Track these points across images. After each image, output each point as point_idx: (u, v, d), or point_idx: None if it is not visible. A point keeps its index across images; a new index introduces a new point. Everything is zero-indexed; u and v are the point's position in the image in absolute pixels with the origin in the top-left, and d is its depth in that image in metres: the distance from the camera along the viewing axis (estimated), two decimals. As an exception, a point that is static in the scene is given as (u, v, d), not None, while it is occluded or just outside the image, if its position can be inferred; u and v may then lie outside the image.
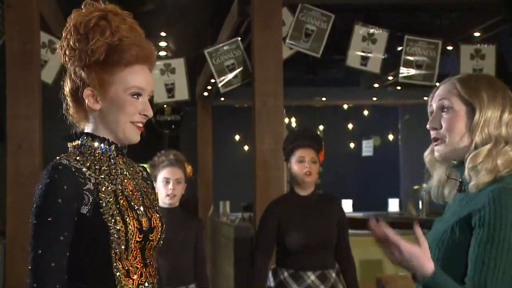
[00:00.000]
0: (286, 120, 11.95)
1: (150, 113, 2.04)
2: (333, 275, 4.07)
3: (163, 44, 10.41)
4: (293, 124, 14.38)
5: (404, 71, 6.12)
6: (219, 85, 6.14)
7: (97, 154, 2.00)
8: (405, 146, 15.33)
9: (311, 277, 4.02)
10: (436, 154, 2.15)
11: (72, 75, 2.00)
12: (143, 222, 2.01)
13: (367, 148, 15.03)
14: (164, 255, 3.89)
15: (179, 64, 6.13)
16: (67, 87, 2.03)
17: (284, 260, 4.10)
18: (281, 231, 4.08)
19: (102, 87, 1.98)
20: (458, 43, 6.50)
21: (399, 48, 6.15)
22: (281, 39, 5.87)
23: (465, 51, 6.20)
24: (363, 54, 6.02)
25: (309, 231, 4.03)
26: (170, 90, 6.11)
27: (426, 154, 2.28)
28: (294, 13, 5.91)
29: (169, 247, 3.88)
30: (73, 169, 1.92)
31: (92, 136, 2.01)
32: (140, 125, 2.03)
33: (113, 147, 2.03)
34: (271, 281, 4.12)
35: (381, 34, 6.01)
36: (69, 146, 2.05)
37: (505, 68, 6.20)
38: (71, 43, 1.95)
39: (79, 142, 2.02)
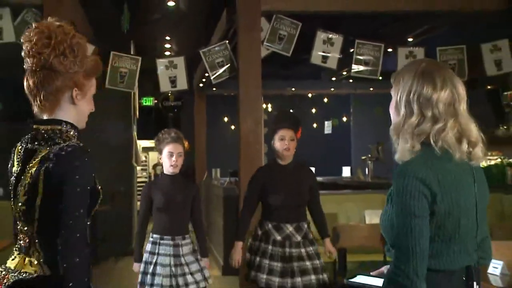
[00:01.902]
0: (264, 106, 11.96)
1: (93, 109, 2.17)
2: (305, 226, 4.11)
3: (167, 45, 10.35)
4: (269, 109, 14.42)
5: (355, 68, 6.13)
6: (212, 78, 6.13)
7: (75, 138, 2.04)
8: (355, 126, 15.42)
9: (289, 228, 4.05)
10: None
11: (60, 77, 1.99)
12: None
13: (328, 127, 15.12)
14: (167, 212, 3.89)
15: (180, 61, 6.10)
16: (53, 85, 1.99)
17: (267, 215, 4.12)
18: (265, 192, 4.10)
19: (83, 90, 2.05)
20: (396, 46, 6.51)
21: (351, 50, 6.17)
22: (260, 42, 5.88)
23: (401, 52, 6.20)
24: (323, 54, 6.02)
25: (287, 192, 4.06)
26: (173, 81, 6.09)
27: None
28: (270, 22, 5.90)
29: (171, 205, 3.90)
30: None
31: (71, 125, 2.05)
32: None
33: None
34: (258, 231, 4.14)
35: (337, 38, 6.01)
36: (40, 128, 2.01)
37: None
38: (66, 52, 1.97)
39: (61, 127, 2.01)
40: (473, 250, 1.87)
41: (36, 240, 1.96)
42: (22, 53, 2.02)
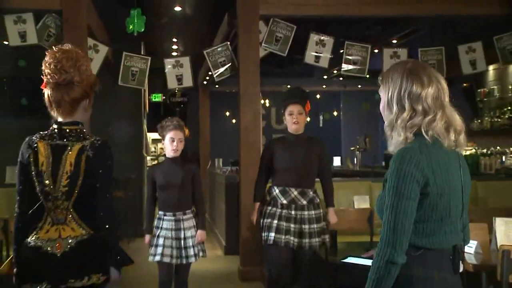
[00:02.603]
0: (262, 101, 11.96)
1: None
2: (311, 192, 4.09)
3: (174, 47, 10.34)
4: (267, 104, 14.42)
5: (344, 67, 6.13)
6: (214, 76, 6.13)
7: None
8: (344, 119, 15.41)
9: (294, 192, 4.06)
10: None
11: (82, 90, 2.37)
12: None
13: (320, 121, 15.18)
14: (167, 189, 3.94)
15: (185, 61, 6.11)
16: (76, 95, 2.37)
17: (275, 179, 4.15)
18: (274, 158, 4.12)
19: (90, 100, 2.45)
20: (382, 47, 6.52)
21: (341, 50, 6.17)
22: (258, 43, 5.88)
23: (386, 53, 6.20)
24: (316, 54, 6.01)
25: (292, 159, 4.07)
26: (179, 79, 6.09)
27: None
28: (268, 25, 5.91)
29: (171, 183, 3.93)
30: None
31: (83, 125, 2.44)
32: None
33: None
34: (267, 197, 4.16)
35: (329, 40, 6.01)
36: (66, 128, 2.38)
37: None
38: (85, 71, 2.38)
39: (80, 127, 2.41)
40: (460, 231, 1.91)
41: (71, 212, 2.34)
42: (46, 70, 2.34)
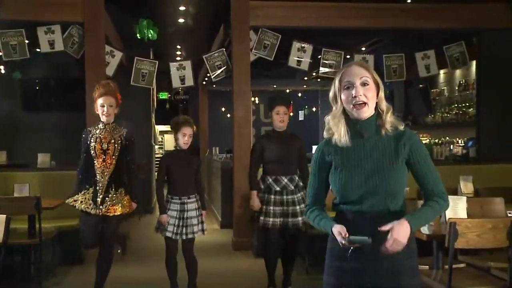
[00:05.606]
0: (252, 99, 11.95)
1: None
2: (297, 178, 4.11)
3: (178, 52, 10.30)
4: (257, 101, 14.42)
5: (322, 69, 6.15)
6: (212, 77, 6.14)
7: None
8: (322, 114, 15.37)
9: (285, 180, 4.08)
10: (363, 114, 1.87)
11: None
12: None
13: (301, 115, 15.20)
14: (177, 177, 3.93)
15: (187, 64, 6.09)
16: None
17: (268, 170, 4.15)
18: (265, 152, 4.13)
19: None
20: (353, 53, 6.55)
21: (319, 56, 6.19)
22: (249, 49, 5.88)
23: (357, 58, 6.23)
24: (298, 58, 6.03)
25: (280, 150, 4.08)
26: (182, 79, 6.07)
27: (334, 117, 1.96)
28: (257, 34, 5.91)
29: (180, 172, 3.92)
30: None
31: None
32: None
33: None
34: (261, 185, 4.16)
35: (308, 47, 6.03)
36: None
37: (378, 68, 6.33)
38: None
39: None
40: None
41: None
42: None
